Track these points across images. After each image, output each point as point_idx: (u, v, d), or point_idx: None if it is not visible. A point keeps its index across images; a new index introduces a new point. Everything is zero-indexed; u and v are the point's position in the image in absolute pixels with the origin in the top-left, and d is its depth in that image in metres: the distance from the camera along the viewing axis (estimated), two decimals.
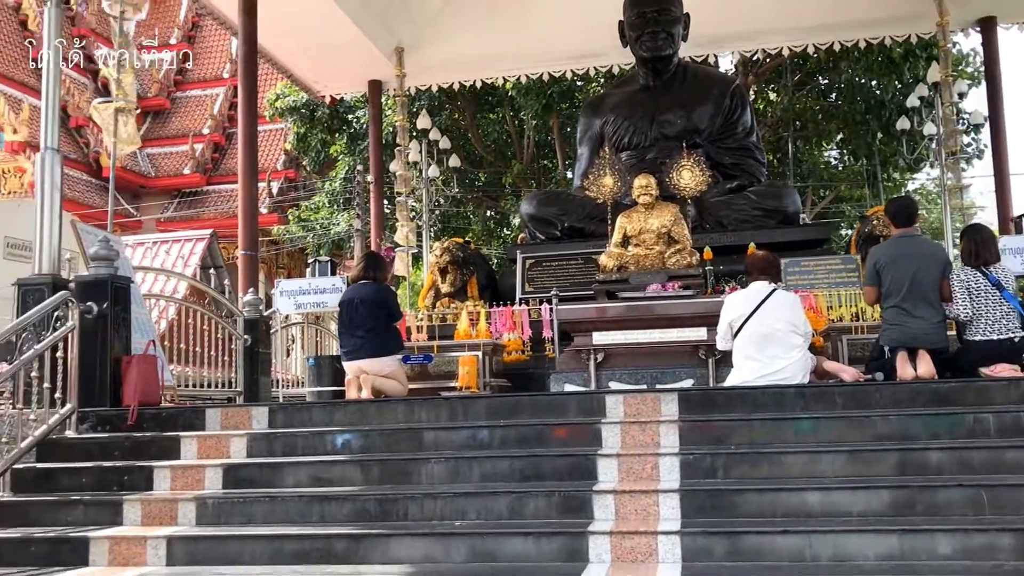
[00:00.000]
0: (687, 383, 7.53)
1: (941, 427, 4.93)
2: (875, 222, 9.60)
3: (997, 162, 13.10)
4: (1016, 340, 5.86)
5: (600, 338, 8.21)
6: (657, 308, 8.13)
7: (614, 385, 7.63)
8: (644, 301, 8.23)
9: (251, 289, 9.45)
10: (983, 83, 14.48)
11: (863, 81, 19.42)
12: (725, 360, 7.07)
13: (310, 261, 14.67)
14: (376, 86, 14.84)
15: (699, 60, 14.14)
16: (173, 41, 30.75)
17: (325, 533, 4.57)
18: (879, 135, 19.33)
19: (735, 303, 6.35)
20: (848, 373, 6.34)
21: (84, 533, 4.77)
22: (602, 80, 18.87)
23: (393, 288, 8.29)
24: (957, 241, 7.64)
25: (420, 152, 15.25)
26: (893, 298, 6.12)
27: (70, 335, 6.01)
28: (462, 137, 21.36)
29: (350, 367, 7.23)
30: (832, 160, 23.97)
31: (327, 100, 16.67)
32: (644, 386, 7.50)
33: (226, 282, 16.73)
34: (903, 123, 14.96)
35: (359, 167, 21.17)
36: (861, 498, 4.40)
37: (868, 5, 13.09)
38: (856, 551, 4.06)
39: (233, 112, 27.63)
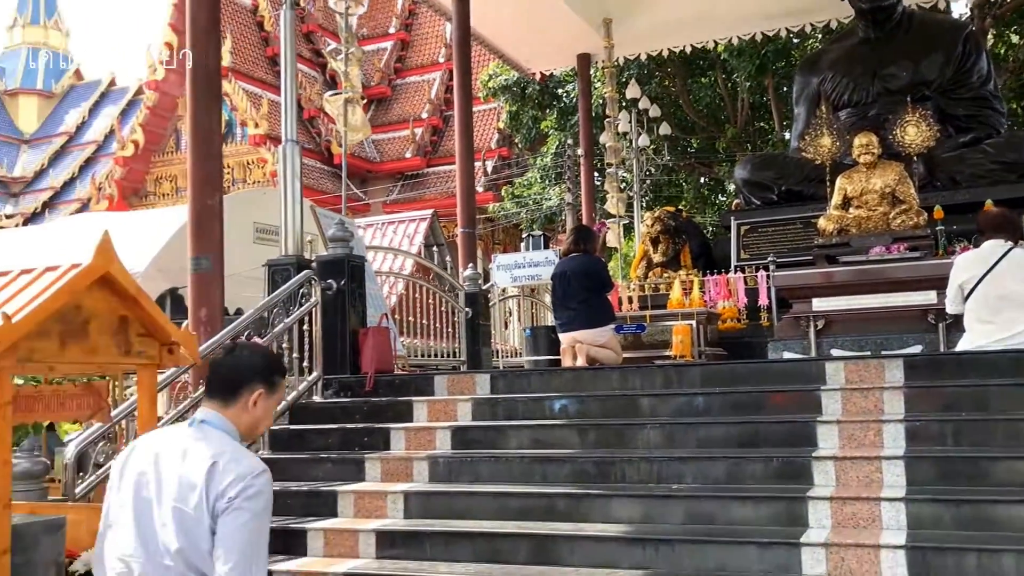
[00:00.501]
0: (915, 349, 7.19)
1: None
2: None
3: None
4: None
5: (820, 304, 7.98)
6: (882, 272, 7.79)
7: (836, 353, 7.41)
8: (867, 265, 7.91)
9: (470, 264, 9.91)
10: None
11: None
12: (957, 325, 6.68)
13: (524, 236, 15.09)
14: (585, 60, 14.96)
15: (927, 7, 13.21)
16: (392, 31, 32.27)
17: (547, 492, 4.80)
18: None
19: (966, 263, 5.98)
20: None
21: (333, 487, 5.27)
22: (819, 36, 18.02)
23: (604, 260, 8.43)
24: None
25: (630, 122, 15.27)
26: None
27: (314, 310, 6.60)
28: (673, 104, 21.10)
29: (565, 338, 7.44)
30: None
31: (537, 77, 16.98)
32: (868, 353, 7.23)
33: (447, 258, 17.51)
34: None
35: (569, 141, 21.44)
36: None
37: None
38: None
39: (449, 95, 28.69)
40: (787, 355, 7.71)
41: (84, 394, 3.20)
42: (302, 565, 4.66)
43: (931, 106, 10.02)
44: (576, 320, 7.34)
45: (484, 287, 9.74)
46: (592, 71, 16.11)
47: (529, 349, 9.83)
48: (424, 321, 8.83)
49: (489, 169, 28.17)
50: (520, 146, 25.95)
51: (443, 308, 9.04)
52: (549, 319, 11.02)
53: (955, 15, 17.05)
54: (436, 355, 8.96)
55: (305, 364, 6.45)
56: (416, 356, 8.82)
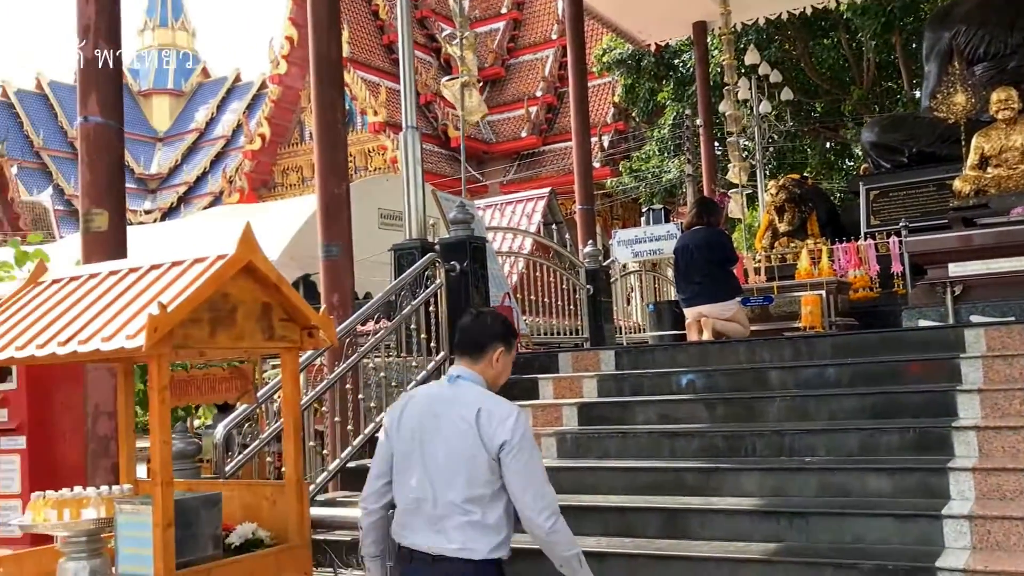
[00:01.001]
0: None
1: None
2: None
3: None
4: None
5: (957, 269, 7.64)
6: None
7: (975, 319, 7.09)
8: (1009, 226, 7.52)
9: (590, 241, 9.91)
10: None
11: None
12: None
13: (644, 210, 14.97)
14: (701, 27, 14.66)
15: None
16: (504, 11, 32.37)
17: (676, 466, 4.80)
18: None
19: None
20: None
21: None
22: None
23: (727, 232, 8.29)
24: None
25: (749, 89, 14.91)
26: None
27: (439, 291, 6.75)
28: (794, 68, 20.44)
29: (690, 312, 7.38)
30: None
31: (652, 48, 16.76)
32: (1012, 318, 6.89)
33: (566, 236, 17.54)
34: None
35: (687, 112, 21.07)
36: None
37: None
38: None
39: (563, 72, 28.58)
40: (923, 323, 7.43)
41: (232, 377, 3.42)
42: None
43: None
44: (700, 294, 7.26)
45: (604, 263, 9.74)
46: (708, 39, 15.77)
47: (653, 324, 9.80)
48: (545, 299, 8.90)
49: (606, 144, 27.99)
50: (637, 119, 25.65)
51: (564, 286, 9.08)
52: (672, 294, 10.94)
53: None
54: (558, 333, 9.03)
55: (432, 344, 6.61)
56: (539, 334, 8.91)
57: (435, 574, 2.70)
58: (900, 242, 9.07)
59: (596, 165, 23.26)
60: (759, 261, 10.18)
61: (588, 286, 8.98)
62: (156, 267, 3.02)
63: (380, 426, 5.91)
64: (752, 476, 4.54)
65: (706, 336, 7.08)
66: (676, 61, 21.12)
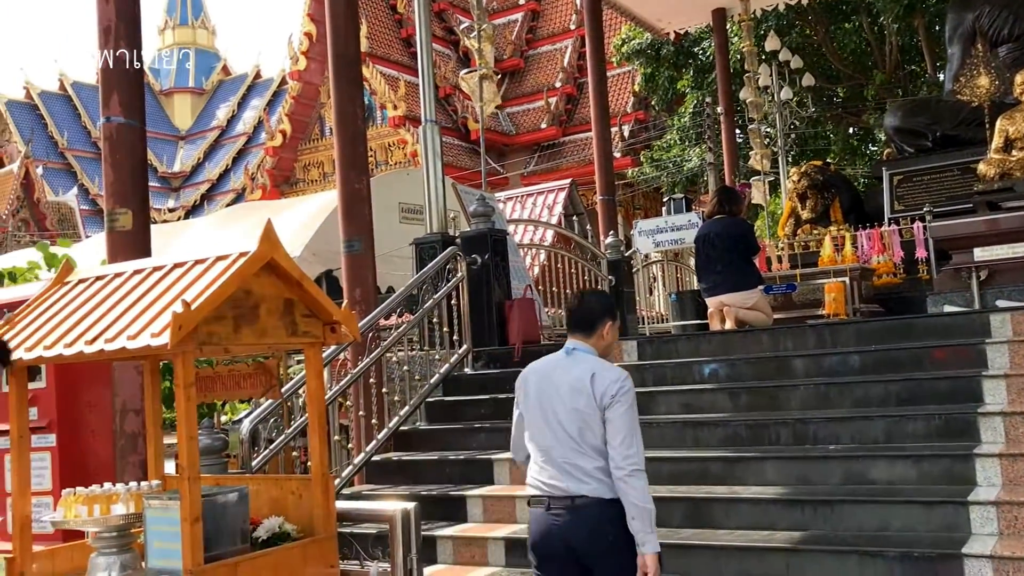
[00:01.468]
0: None
1: None
2: None
3: None
4: None
5: (983, 254, 7.56)
6: None
7: (1001, 304, 7.02)
8: None
9: (611, 232, 9.89)
10: None
11: None
12: None
13: (665, 200, 14.90)
14: (720, 14, 14.56)
15: None
16: (521, 2, 32.28)
17: (700, 456, 4.80)
18: None
19: None
20: None
21: (488, 456, 5.44)
22: None
23: (748, 221, 8.25)
24: None
25: (770, 75, 14.77)
26: None
27: (460, 284, 6.77)
28: (815, 53, 20.24)
29: (712, 302, 7.34)
30: None
31: (671, 37, 16.65)
32: None
33: (588, 227, 17.51)
34: None
35: (708, 100, 20.93)
36: None
37: None
38: None
39: (582, 62, 28.48)
40: (948, 309, 7.36)
41: (257, 373, 3.43)
42: (463, 531, 4.85)
43: None
44: (722, 284, 7.23)
45: (626, 254, 9.72)
46: (728, 26, 15.66)
47: (675, 314, 9.77)
48: (567, 291, 8.89)
49: (626, 134, 27.87)
50: (657, 108, 25.50)
51: (586, 277, 9.08)
52: (695, 283, 10.90)
53: None
54: None
55: (455, 337, 6.64)
56: (561, 326, 8.91)
57: (574, 511, 3.07)
58: (924, 227, 8.99)
59: (617, 155, 23.17)
60: (782, 248, 10.12)
61: (610, 277, 8.97)
62: (180, 265, 3.05)
63: (403, 420, 5.98)
64: (777, 465, 4.54)
65: (729, 325, 7.05)
66: (696, 49, 20.96)
